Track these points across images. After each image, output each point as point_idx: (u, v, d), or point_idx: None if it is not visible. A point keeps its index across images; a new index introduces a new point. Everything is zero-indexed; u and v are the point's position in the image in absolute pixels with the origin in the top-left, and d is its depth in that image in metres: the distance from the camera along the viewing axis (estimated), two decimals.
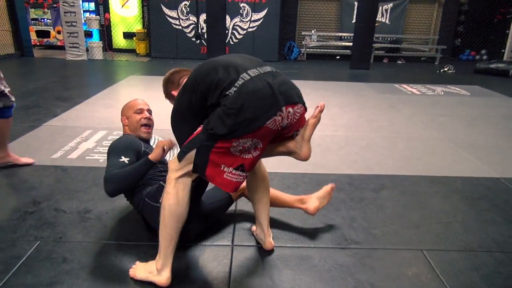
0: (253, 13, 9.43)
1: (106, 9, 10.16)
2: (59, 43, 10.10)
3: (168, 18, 9.44)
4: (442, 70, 8.87)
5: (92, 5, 10.31)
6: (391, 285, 1.76)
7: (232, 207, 2.27)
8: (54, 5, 9.82)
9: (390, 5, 10.38)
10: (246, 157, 1.55)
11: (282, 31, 9.98)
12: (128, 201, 2.17)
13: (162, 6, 9.33)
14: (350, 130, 4.15)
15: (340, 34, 10.53)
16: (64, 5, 8.53)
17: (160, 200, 1.83)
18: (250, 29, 9.55)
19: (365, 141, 3.78)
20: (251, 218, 2.22)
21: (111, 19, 10.16)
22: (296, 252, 1.98)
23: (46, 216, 2.22)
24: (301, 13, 10.77)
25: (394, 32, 10.50)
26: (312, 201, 2.11)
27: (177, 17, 9.45)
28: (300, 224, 2.23)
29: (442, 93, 6.33)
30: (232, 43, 9.56)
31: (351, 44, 9.23)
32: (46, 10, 10.08)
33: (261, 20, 9.48)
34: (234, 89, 1.46)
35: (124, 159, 1.92)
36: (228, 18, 9.13)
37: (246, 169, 1.58)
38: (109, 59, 9.30)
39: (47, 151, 3.24)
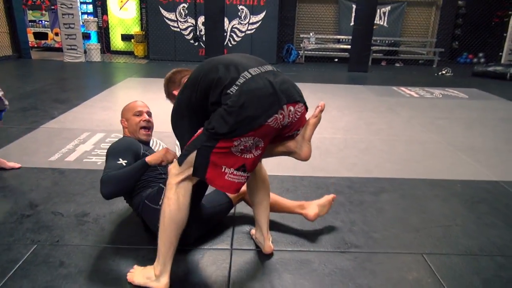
0: (251, 16, 9.44)
1: (104, 11, 10.15)
2: (57, 45, 10.07)
3: (166, 20, 9.44)
4: (440, 73, 8.89)
5: (90, 7, 10.30)
6: None
7: (231, 210, 2.26)
8: (52, 7, 9.81)
9: (388, 8, 10.41)
10: (248, 157, 1.53)
11: (280, 33, 9.99)
12: (127, 204, 2.16)
13: (160, 8, 9.33)
14: (349, 132, 4.14)
15: (338, 36, 10.54)
16: (62, 7, 8.51)
17: (160, 203, 1.81)
18: (249, 32, 9.56)
19: (364, 144, 3.77)
20: (250, 221, 2.20)
21: (109, 21, 10.14)
22: (295, 256, 1.97)
23: (43, 219, 2.20)
24: (299, 15, 10.79)
25: (392, 35, 10.53)
26: (312, 207, 2.10)
27: (175, 19, 9.45)
28: (300, 227, 2.21)
29: (441, 95, 6.34)
30: (230, 45, 9.56)
31: (349, 46, 9.24)
32: (44, 12, 10.05)
33: (259, 23, 9.49)
34: (235, 87, 1.46)
35: (122, 161, 1.90)
36: (226, 20, 9.14)
37: (247, 169, 1.56)
38: (107, 61, 9.28)
39: (44, 153, 3.21)
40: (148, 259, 1.84)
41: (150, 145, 2.33)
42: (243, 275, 1.82)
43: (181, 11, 9.39)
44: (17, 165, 2.90)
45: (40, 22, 10.17)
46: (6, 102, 2.71)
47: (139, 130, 2.17)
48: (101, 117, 4.36)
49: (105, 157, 2.01)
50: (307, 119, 1.62)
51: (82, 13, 10.00)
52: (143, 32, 9.93)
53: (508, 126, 4.61)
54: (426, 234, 2.20)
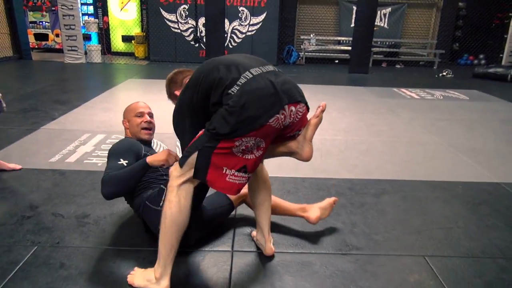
0: (252, 17, 9.44)
1: (105, 12, 10.15)
2: (57, 46, 10.08)
3: (167, 22, 9.44)
4: (440, 75, 8.88)
5: (90, 8, 10.31)
6: None
7: (232, 212, 2.25)
8: (53, 8, 9.81)
9: (389, 9, 10.42)
10: (249, 157, 1.53)
11: (281, 35, 9.99)
12: (127, 205, 2.15)
13: (161, 10, 9.34)
14: (350, 134, 4.14)
15: (339, 38, 10.54)
16: (62, 8, 8.51)
17: (161, 204, 1.81)
18: (249, 33, 9.56)
19: (365, 145, 3.77)
20: (251, 223, 2.20)
21: (110, 22, 10.15)
22: (297, 258, 1.96)
23: (44, 221, 2.20)
24: (299, 17, 10.79)
25: (393, 36, 10.53)
26: (314, 210, 2.10)
27: (176, 20, 9.45)
28: (301, 229, 2.21)
29: (441, 97, 6.33)
30: (231, 46, 9.56)
31: (349, 48, 9.25)
32: (44, 13, 10.06)
33: (260, 24, 9.50)
34: (237, 87, 1.45)
35: (123, 162, 1.90)
36: (227, 21, 9.14)
37: (248, 170, 1.56)
38: (107, 62, 9.28)
39: (45, 154, 3.21)
40: (148, 261, 1.84)
41: (152, 146, 2.33)
42: (244, 277, 1.81)
43: (182, 12, 9.39)
44: (18, 167, 2.90)
45: (40, 23, 10.18)
46: (4, 105, 2.71)
47: (140, 131, 2.17)
48: (101, 118, 4.35)
49: (105, 158, 2.01)
50: (308, 119, 1.62)
51: (83, 14, 10.00)
52: (144, 33, 9.93)
53: (508, 127, 4.61)
54: (428, 236, 2.19)
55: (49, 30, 10.22)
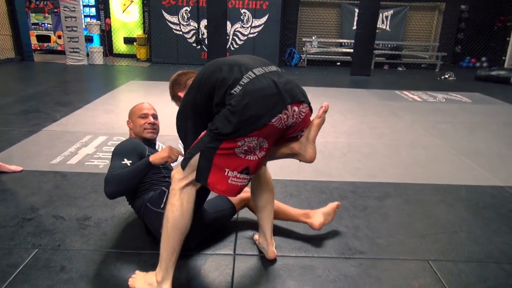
0: (253, 19, 9.45)
1: (107, 14, 10.18)
2: (59, 48, 10.11)
3: (169, 24, 9.45)
4: (443, 77, 8.87)
5: (93, 10, 10.33)
6: None
7: (234, 216, 2.23)
8: (55, 10, 9.84)
9: (391, 12, 10.42)
10: (251, 158, 1.51)
11: (283, 37, 9.99)
12: (129, 208, 2.14)
13: (163, 12, 9.35)
14: (352, 137, 4.12)
15: (341, 40, 10.55)
16: (64, 10, 8.53)
17: (162, 206, 1.80)
18: (251, 35, 9.57)
19: (368, 148, 3.75)
20: (253, 226, 2.18)
21: (112, 24, 10.17)
22: (299, 261, 1.94)
23: (44, 223, 2.18)
24: (301, 19, 10.80)
25: (395, 39, 10.52)
26: (318, 216, 2.08)
27: (178, 22, 9.46)
28: (304, 233, 2.19)
29: (444, 100, 6.31)
30: (232, 48, 9.57)
31: (351, 50, 9.24)
32: (46, 15, 10.09)
33: (261, 26, 9.50)
34: (239, 87, 1.44)
35: (127, 161, 1.89)
36: (228, 24, 9.14)
37: (251, 172, 1.54)
38: (109, 64, 9.29)
39: (46, 156, 3.20)
40: (150, 264, 1.82)
41: (156, 148, 2.31)
42: (246, 281, 1.79)
43: (184, 14, 9.40)
44: (19, 168, 2.89)
45: (43, 25, 10.21)
46: None
47: (143, 130, 2.15)
48: (103, 120, 4.34)
49: (107, 160, 2.00)
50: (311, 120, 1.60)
51: (85, 16, 10.03)
52: (146, 35, 9.95)
53: (511, 130, 4.58)
54: (432, 240, 2.17)
55: (51, 32, 10.25)
